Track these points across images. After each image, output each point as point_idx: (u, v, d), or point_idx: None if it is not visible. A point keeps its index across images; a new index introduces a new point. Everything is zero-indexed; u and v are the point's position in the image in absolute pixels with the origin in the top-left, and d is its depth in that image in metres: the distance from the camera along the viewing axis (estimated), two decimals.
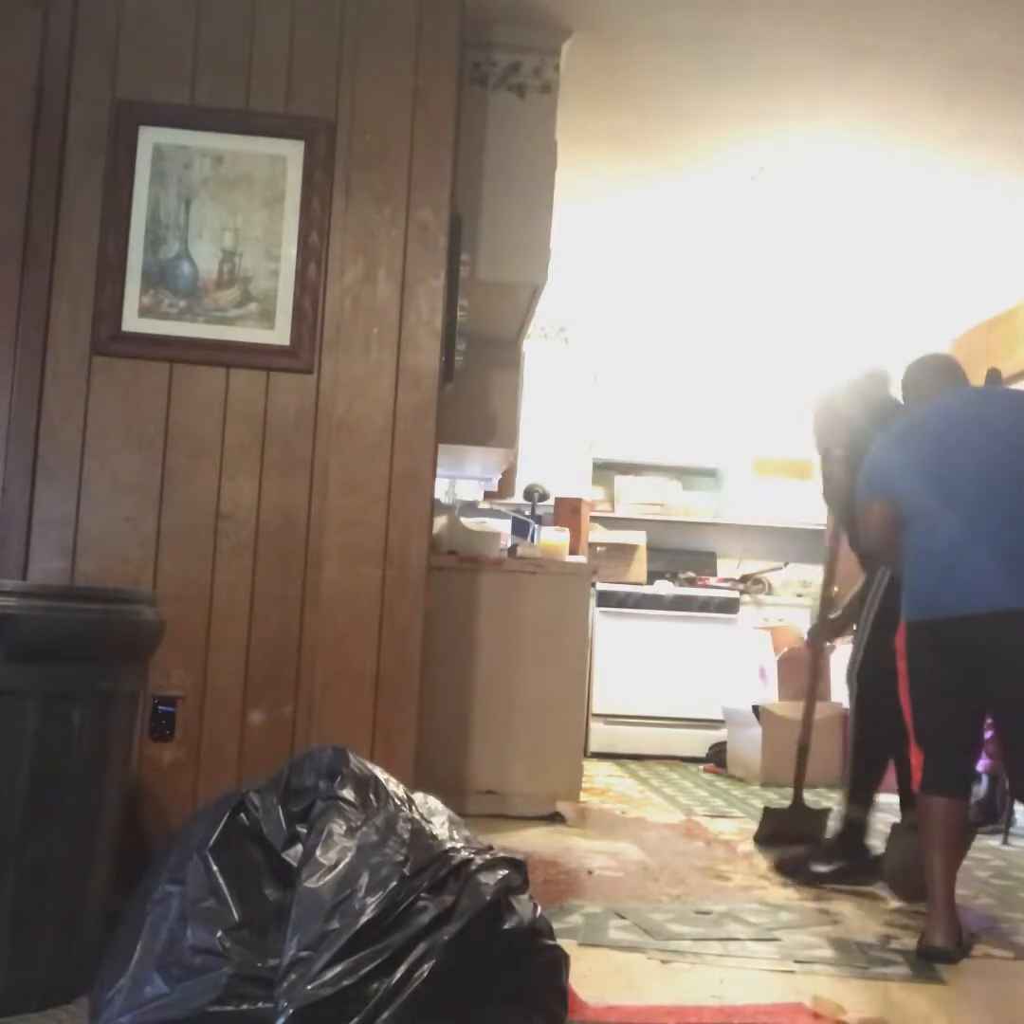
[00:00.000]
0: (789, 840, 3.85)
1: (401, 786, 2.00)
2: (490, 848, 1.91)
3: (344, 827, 1.85)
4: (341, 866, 1.79)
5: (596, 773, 5.67)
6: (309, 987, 1.65)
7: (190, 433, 2.81)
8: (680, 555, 7.42)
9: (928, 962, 2.63)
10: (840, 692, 5.92)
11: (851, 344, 6.87)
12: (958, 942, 2.69)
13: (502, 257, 3.66)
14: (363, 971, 1.67)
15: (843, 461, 3.61)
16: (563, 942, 1.99)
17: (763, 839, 4.01)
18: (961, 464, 2.86)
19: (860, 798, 3.56)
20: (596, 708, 6.40)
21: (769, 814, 4.13)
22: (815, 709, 4.13)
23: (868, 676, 3.53)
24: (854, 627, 3.78)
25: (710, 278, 6.04)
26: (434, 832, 1.89)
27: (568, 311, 6.74)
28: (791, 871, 3.50)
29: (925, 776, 2.85)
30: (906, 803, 3.48)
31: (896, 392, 3.54)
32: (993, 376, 3.52)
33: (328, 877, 1.78)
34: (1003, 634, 2.74)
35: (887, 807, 3.80)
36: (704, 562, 7.47)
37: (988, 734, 3.17)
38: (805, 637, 4.31)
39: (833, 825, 3.78)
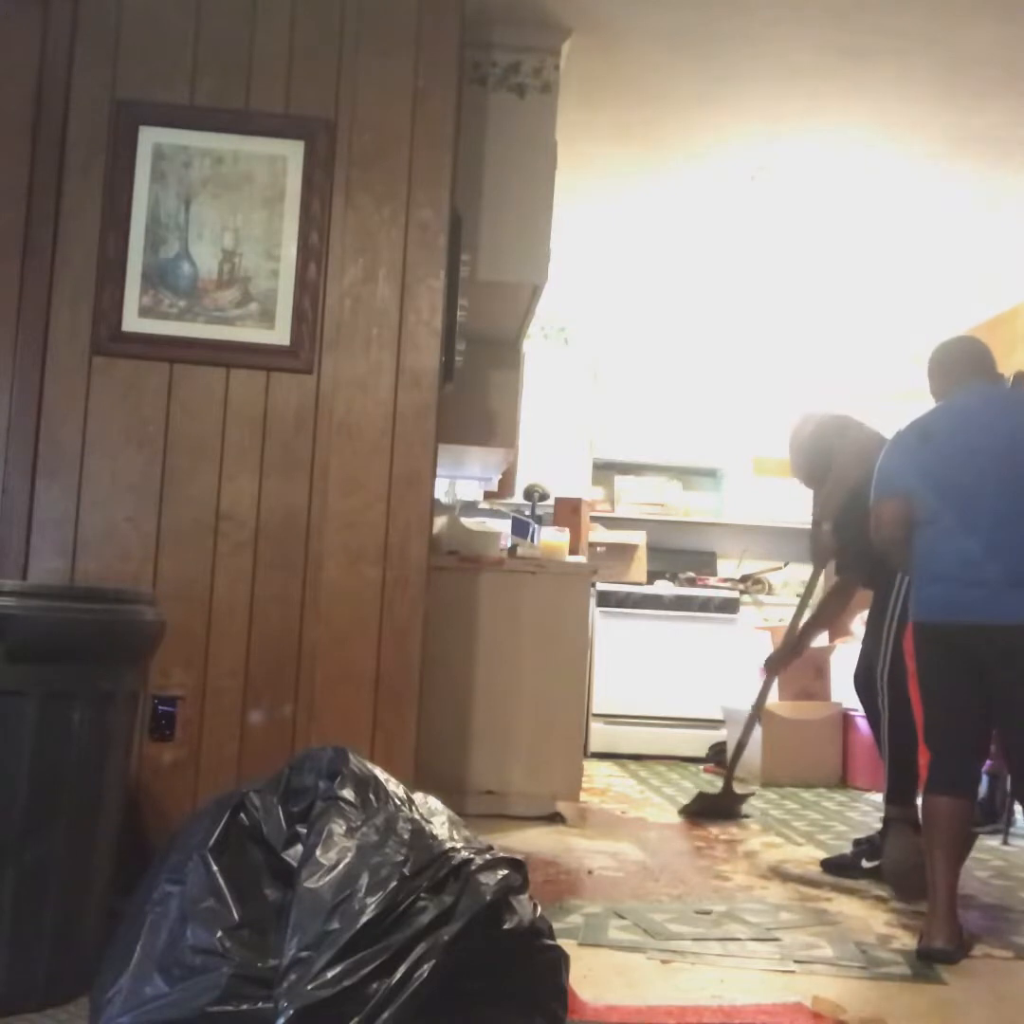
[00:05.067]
0: (712, 815, 4.50)
1: (401, 786, 2.00)
2: (490, 848, 1.91)
3: (344, 827, 1.85)
4: (341, 866, 1.79)
5: (596, 773, 5.67)
6: (309, 987, 1.65)
7: (190, 433, 2.81)
8: (680, 555, 7.41)
9: (928, 962, 2.63)
10: (840, 692, 5.93)
11: (851, 344, 6.88)
12: (958, 944, 2.69)
13: (502, 257, 3.66)
14: (363, 971, 1.67)
15: (831, 533, 3.89)
16: (563, 942, 1.99)
17: (690, 812, 4.53)
18: (979, 469, 2.85)
19: (897, 799, 3.61)
20: (596, 708, 6.39)
21: (702, 796, 4.63)
22: (756, 721, 4.69)
23: (899, 680, 3.54)
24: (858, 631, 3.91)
25: (710, 278, 6.04)
26: (434, 832, 1.89)
27: (568, 311, 6.74)
28: (838, 868, 3.63)
29: (931, 776, 2.84)
30: (893, 799, 3.58)
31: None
32: (1021, 379, 3.51)
33: (328, 877, 1.77)
34: (1014, 647, 2.75)
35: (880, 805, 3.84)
36: (704, 562, 7.47)
37: None
38: (763, 663, 4.60)
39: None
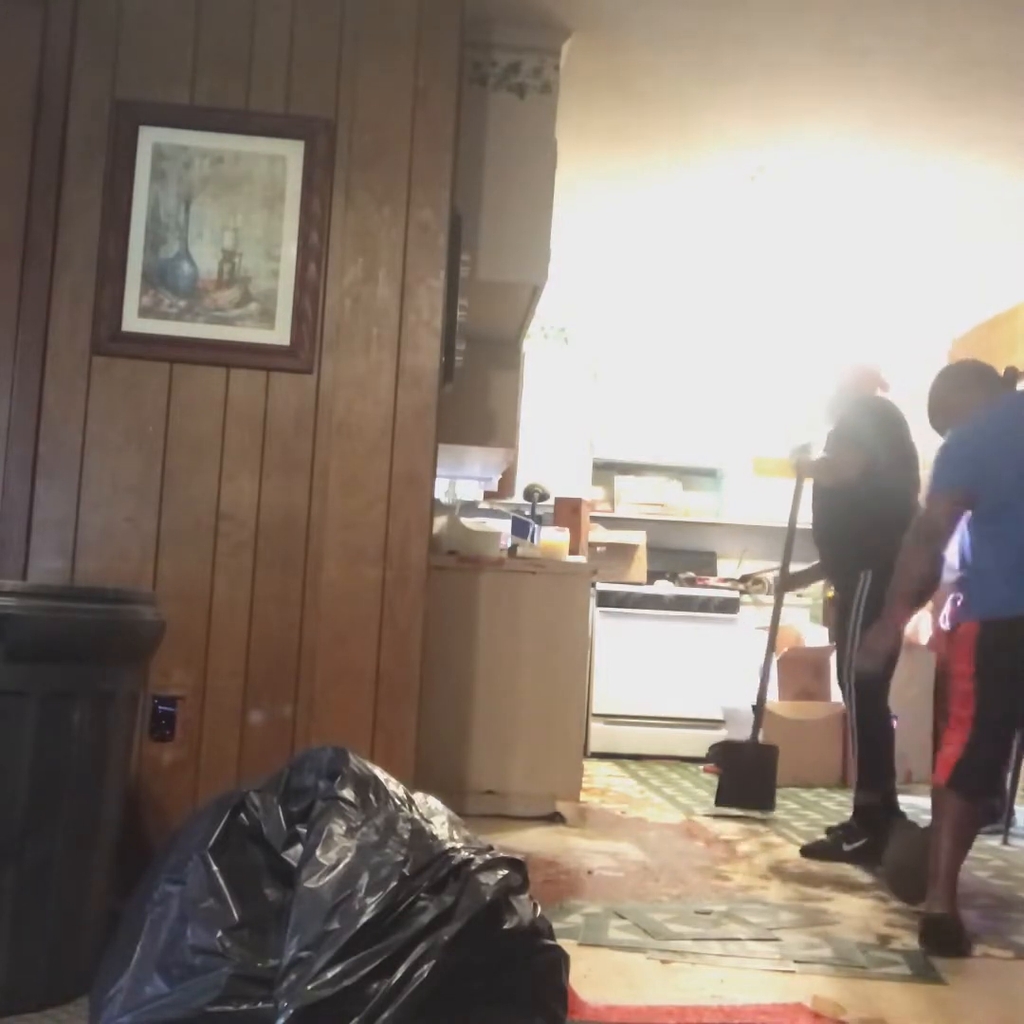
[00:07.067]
0: (745, 801, 4.43)
1: (401, 786, 2.00)
2: (490, 848, 1.91)
3: (344, 827, 1.85)
4: (341, 866, 1.79)
5: (596, 773, 5.67)
6: (309, 987, 1.65)
7: (190, 433, 2.81)
8: (680, 555, 7.41)
9: (927, 957, 2.63)
10: (840, 693, 5.93)
11: (851, 344, 6.87)
12: (957, 917, 2.72)
13: (502, 257, 3.66)
14: (363, 971, 1.67)
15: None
16: (563, 942, 1.99)
17: (726, 796, 4.44)
18: None
19: (868, 784, 3.84)
20: (596, 708, 6.40)
21: (727, 750, 4.66)
22: (773, 654, 4.63)
23: (864, 675, 3.73)
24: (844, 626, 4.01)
25: (710, 278, 6.04)
26: (434, 832, 1.89)
27: (568, 311, 6.74)
28: (819, 853, 3.78)
29: (963, 776, 2.81)
30: (865, 785, 3.83)
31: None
32: (1011, 375, 3.54)
33: (328, 877, 1.77)
34: None
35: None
36: (704, 562, 7.47)
37: None
38: (772, 588, 4.81)
39: None
